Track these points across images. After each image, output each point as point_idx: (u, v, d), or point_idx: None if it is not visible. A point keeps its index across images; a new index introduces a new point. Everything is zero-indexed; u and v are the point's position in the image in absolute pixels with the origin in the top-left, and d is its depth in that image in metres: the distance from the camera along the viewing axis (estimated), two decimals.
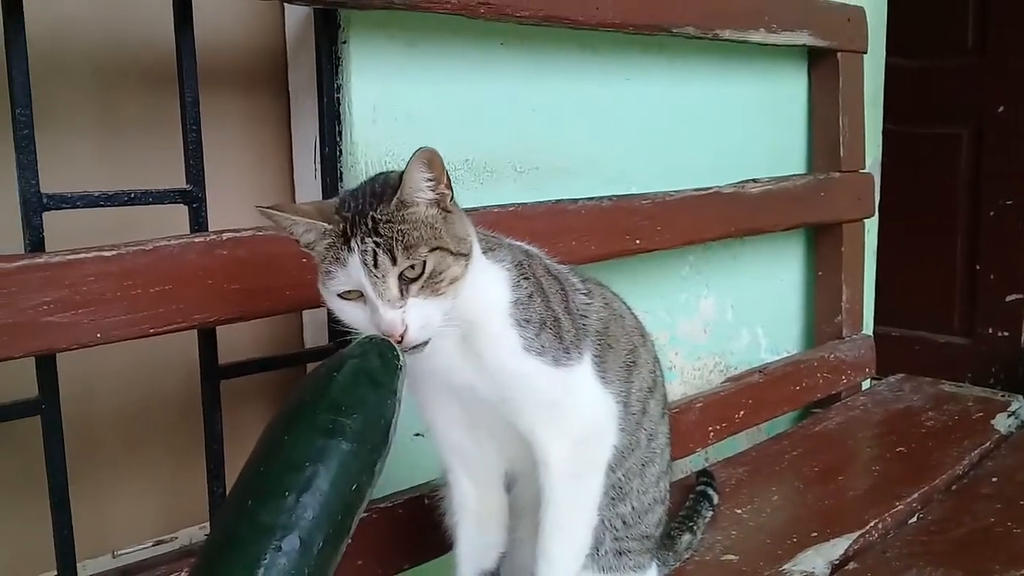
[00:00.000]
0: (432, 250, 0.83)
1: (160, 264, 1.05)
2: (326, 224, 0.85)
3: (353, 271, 0.83)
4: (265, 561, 0.74)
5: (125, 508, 1.33)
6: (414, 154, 0.84)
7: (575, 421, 0.97)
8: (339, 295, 0.85)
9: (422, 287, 0.83)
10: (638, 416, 1.05)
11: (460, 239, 0.87)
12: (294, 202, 1.45)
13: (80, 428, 1.20)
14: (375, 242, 0.82)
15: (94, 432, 1.28)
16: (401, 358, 0.88)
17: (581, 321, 0.99)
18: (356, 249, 0.82)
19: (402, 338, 0.83)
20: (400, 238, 0.82)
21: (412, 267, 0.83)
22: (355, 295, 0.84)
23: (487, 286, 0.91)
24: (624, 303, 1.12)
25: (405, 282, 0.83)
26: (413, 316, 0.83)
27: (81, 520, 1.16)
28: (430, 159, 0.84)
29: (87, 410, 1.25)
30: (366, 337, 0.87)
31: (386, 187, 0.86)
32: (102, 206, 1.14)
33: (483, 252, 0.93)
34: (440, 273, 0.84)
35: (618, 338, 1.04)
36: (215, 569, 0.75)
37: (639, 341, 1.08)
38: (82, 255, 1.00)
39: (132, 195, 1.16)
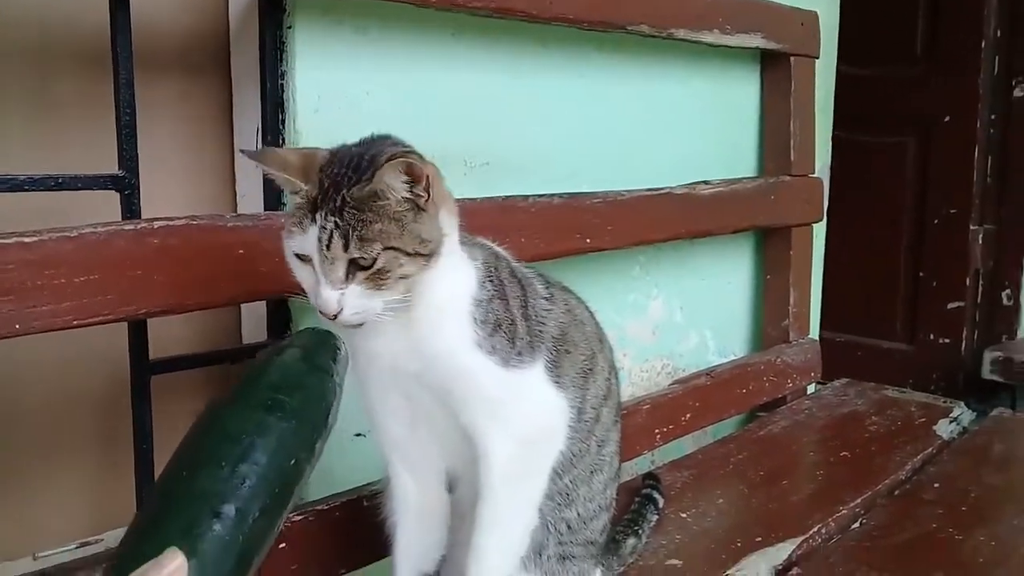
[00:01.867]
0: (386, 248, 0.83)
1: (85, 252, 1.00)
2: (302, 184, 0.85)
3: (309, 241, 0.83)
4: (199, 529, 0.71)
5: (47, 508, 1.27)
6: (397, 156, 0.83)
7: (521, 423, 0.95)
8: (293, 252, 0.86)
9: (367, 278, 0.83)
10: (591, 423, 1.03)
11: (423, 240, 0.86)
12: (235, 189, 1.41)
13: (0, 423, 1.14)
14: (335, 223, 0.82)
15: (15, 428, 1.22)
16: (343, 348, 0.89)
17: (538, 327, 0.98)
18: (317, 223, 0.83)
19: (335, 316, 0.84)
20: (359, 228, 0.82)
21: (363, 258, 0.83)
22: (308, 259, 0.85)
23: (453, 279, 0.91)
24: (587, 309, 1.10)
25: (354, 268, 0.83)
26: (350, 302, 0.84)
27: (0, 520, 1.11)
28: (408, 165, 0.83)
29: (8, 405, 1.19)
30: (309, 328, 0.90)
31: (370, 165, 0.84)
32: (26, 190, 1.08)
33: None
34: (388, 272, 0.84)
35: (577, 343, 1.03)
36: (148, 534, 0.71)
37: (597, 348, 1.07)
38: (2, 241, 0.94)
39: (60, 179, 1.11)
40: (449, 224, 0.91)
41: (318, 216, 0.82)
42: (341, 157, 0.86)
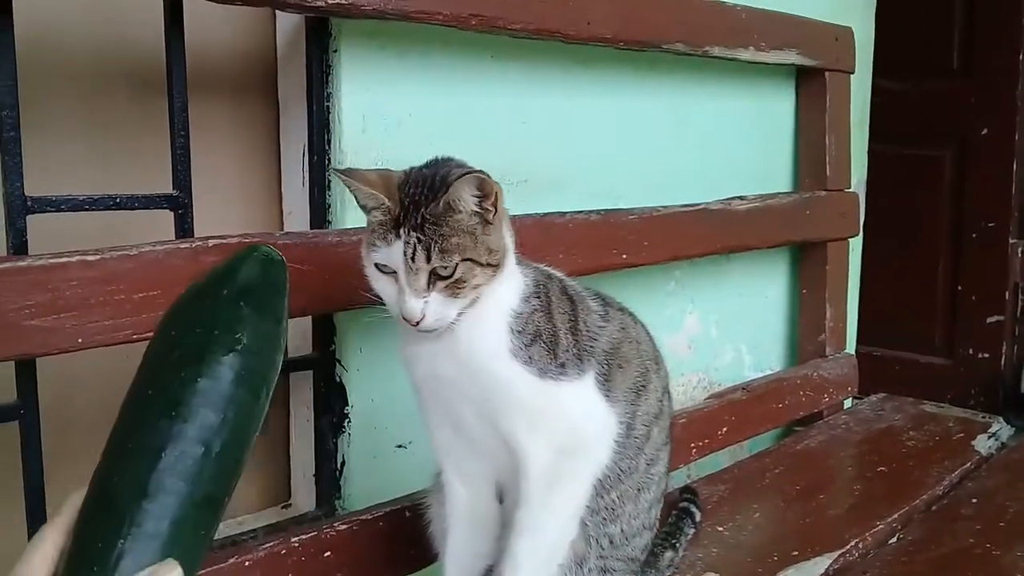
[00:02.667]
0: (464, 260, 0.91)
1: (144, 269, 1.04)
2: (387, 200, 0.92)
3: (395, 255, 0.91)
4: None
5: None
6: (465, 174, 0.91)
7: (560, 432, 0.98)
8: (376, 265, 0.93)
9: (447, 287, 0.91)
10: (640, 440, 1.05)
11: (492, 251, 0.94)
12: (281, 210, 1.45)
13: (57, 435, 1.18)
14: (418, 238, 0.90)
15: (71, 439, 1.26)
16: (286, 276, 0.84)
17: (589, 342, 1.01)
18: (402, 238, 0.90)
19: (417, 323, 0.91)
20: (439, 241, 0.90)
21: (444, 267, 0.90)
22: (389, 270, 0.92)
23: (500, 290, 0.97)
24: (645, 330, 1.13)
25: (434, 277, 0.91)
26: (432, 309, 0.91)
27: None
28: (480, 181, 0.91)
29: (65, 416, 1.24)
30: (251, 252, 0.81)
31: (442, 184, 0.92)
32: (87, 210, 1.13)
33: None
34: (465, 281, 0.91)
35: (630, 360, 1.05)
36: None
37: (652, 367, 1.09)
38: (65, 259, 0.99)
39: (118, 199, 1.16)
40: (509, 239, 0.98)
41: (402, 232, 0.90)
42: (415, 178, 0.94)
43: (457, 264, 0.90)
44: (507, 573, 0.98)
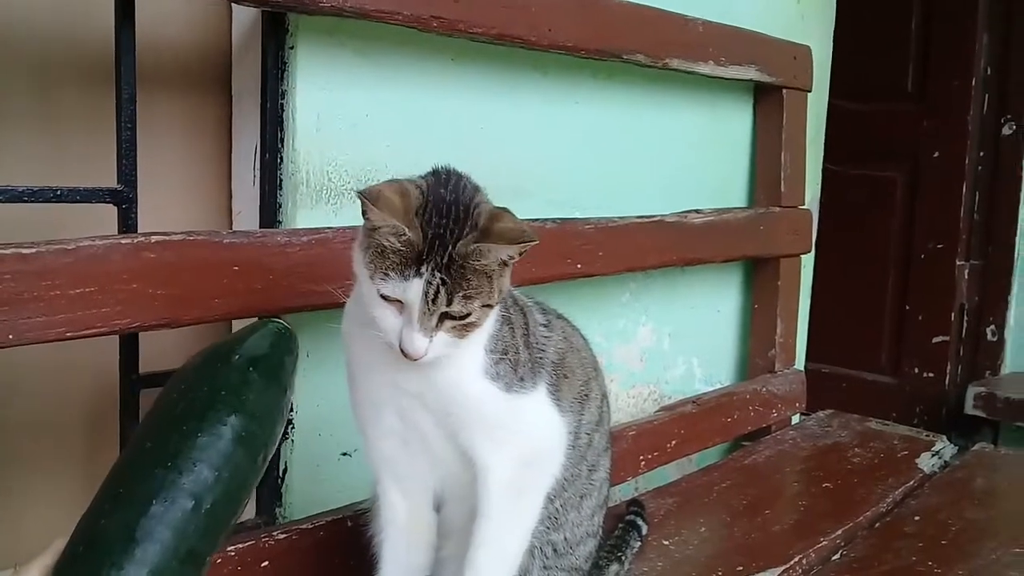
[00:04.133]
0: (483, 306, 0.87)
1: (82, 265, 1.01)
2: (407, 231, 0.84)
3: (411, 292, 0.84)
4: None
5: (33, 520, 1.27)
6: (501, 215, 0.87)
7: (521, 444, 0.97)
8: (381, 294, 0.86)
9: (454, 327, 0.86)
10: (583, 448, 1.05)
11: (501, 292, 0.90)
12: (230, 208, 1.41)
13: None
14: (442, 280, 0.84)
15: (2, 438, 1.22)
16: (296, 349, 0.91)
17: (539, 354, 1.01)
18: (423, 276, 0.84)
19: (414, 356, 0.86)
20: (464, 287, 0.85)
21: (462, 311, 0.85)
22: (395, 302, 0.86)
23: None
24: (582, 336, 1.13)
25: (444, 317, 0.86)
26: (435, 348, 0.86)
27: None
28: (522, 229, 0.86)
29: None
30: (262, 324, 0.89)
31: (469, 214, 0.86)
32: (26, 201, 1.09)
33: None
34: (476, 324, 0.88)
35: (574, 369, 1.05)
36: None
37: (592, 375, 1.09)
38: None
39: (59, 192, 1.12)
40: None
41: (423, 269, 0.84)
42: (435, 203, 0.87)
43: (475, 310, 0.86)
44: None
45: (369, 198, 0.84)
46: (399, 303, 0.85)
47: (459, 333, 0.87)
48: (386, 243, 0.85)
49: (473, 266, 0.85)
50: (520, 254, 0.88)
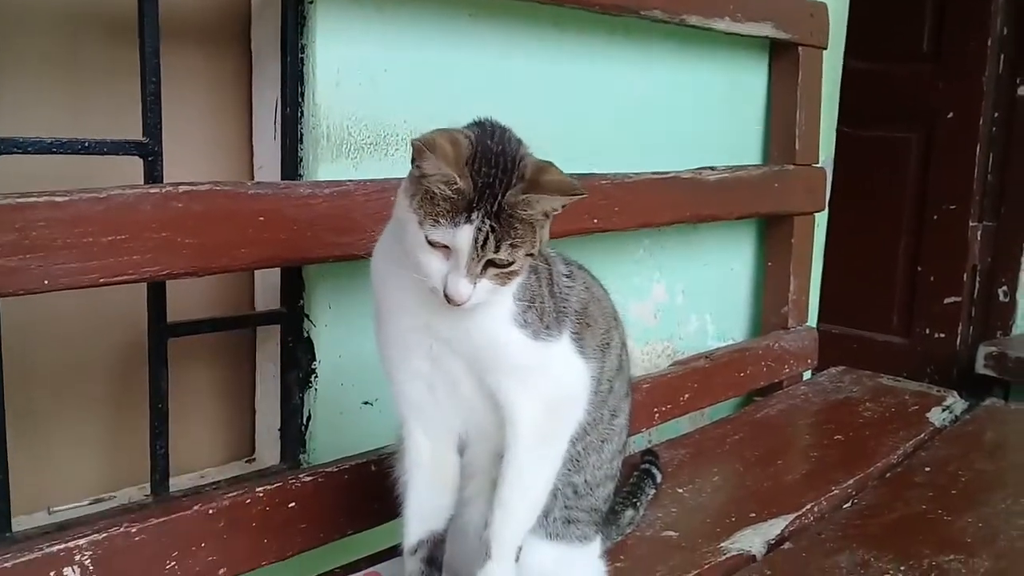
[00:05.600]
0: (526, 255, 0.89)
1: (113, 213, 1.03)
2: (458, 179, 0.86)
3: (460, 238, 0.86)
4: None
5: (63, 464, 1.31)
6: (548, 168, 0.89)
7: (547, 389, 1.00)
8: (429, 240, 0.87)
9: (497, 274, 0.88)
10: (604, 394, 1.07)
11: (542, 240, 0.92)
12: (252, 162, 1.43)
13: (19, 379, 1.17)
14: (492, 227, 0.86)
15: (34, 384, 1.25)
16: None
17: (562, 303, 1.03)
18: (474, 223, 0.86)
19: (459, 303, 0.88)
20: (512, 234, 0.87)
21: (508, 258, 0.88)
22: (442, 248, 0.87)
23: None
24: (602, 287, 1.15)
25: (489, 263, 0.88)
26: (479, 294, 0.88)
27: (17, 474, 1.14)
28: (570, 182, 0.88)
29: (27, 362, 1.22)
30: None
31: (516, 165, 0.88)
32: (54, 153, 1.11)
33: None
34: (518, 272, 0.90)
35: (596, 319, 1.07)
36: None
37: (612, 324, 1.11)
38: (33, 199, 0.98)
39: (87, 144, 1.14)
40: None
41: (474, 216, 0.85)
42: (484, 153, 0.88)
43: (519, 257, 0.88)
44: (499, 521, 1.00)
45: (426, 146, 0.85)
46: (446, 249, 0.87)
47: (501, 280, 0.89)
48: (436, 190, 0.86)
49: (520, 215, 0.87)
50: (564, 206, 0.90)
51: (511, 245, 0.87)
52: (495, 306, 0.93)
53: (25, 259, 0.96)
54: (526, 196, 0.87)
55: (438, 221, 0.86)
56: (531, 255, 0.90)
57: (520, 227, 0.87)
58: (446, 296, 0.88)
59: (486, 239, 0.86)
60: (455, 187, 0.86)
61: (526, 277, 0.96)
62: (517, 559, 1.02)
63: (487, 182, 0.87)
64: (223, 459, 1.47)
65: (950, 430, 1.87)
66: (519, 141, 0.93)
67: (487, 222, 0.86)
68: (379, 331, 1.01)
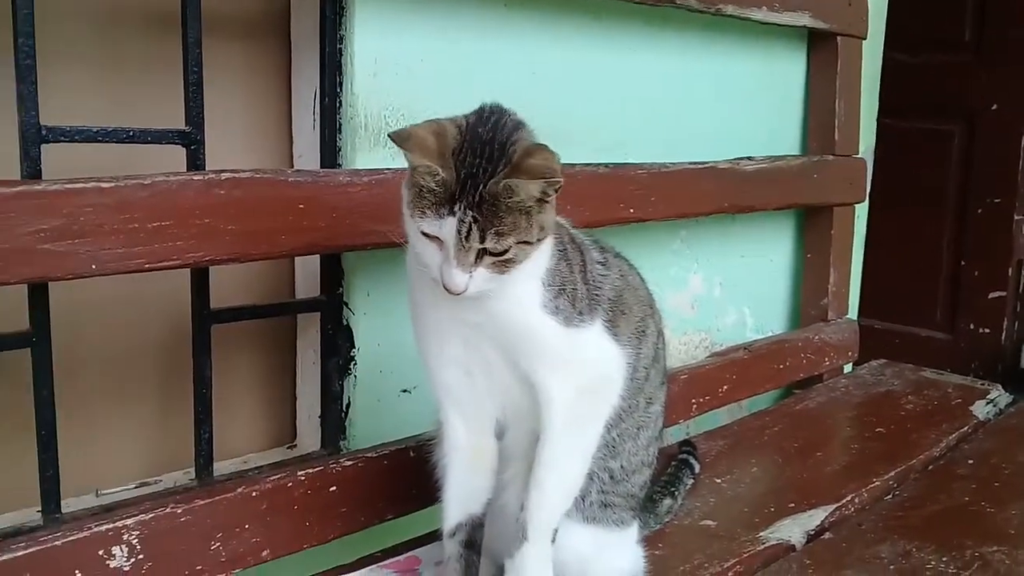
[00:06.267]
0: (518, 243, 0.88)
1: (158, 200, 1.05)
2: (441, 171, 0.87)
3: (446, 230, 0.87)
4: None
5: (110, 448, 1.33)
6: (533, 151, 0.87)
7: (581, 373, 1.00)
8: (421, 231, 0.89)
9: (493, 263, 0.89)
10: (640, 382, 1.07)
11: (543, 228, 0.91)
12: (291, 152, 1.45)
13: (67, 365, 1.19)
14: (474, 217, 0.86)
15: (81, 369, 1.28)
16: None
17: (596, 291, 1.03)
18: (456, 215, 0.86)
19: (458, 293, 0.89)
20: (496, 223, 0.87)
21: (497, 248, 0.88)
22: (435, 239, 0.89)
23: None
24: (639, 275, 1.14)
25: (483, 252, 0.88)
26: (476, 283, 0.89)
27: (65, 457, 1.16)
28: (550, 170, 0.87)
29: (75, 347, 1.25)
30: None
31: (502, 154, 0.88)
32: (100, 141, 1.14)
33: None
34: (515, 260, 0.90)
35: (631, 306, 1.07)
36: None
37: (648, 312, 1.11)
38: (80, 185, 1.00)
39: (131, 133, 1.16)
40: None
41: (456, 208, 0.86)
42: (471, 142, 0.89)
43: (511, 246, 0.88)
44: (535, 503, 1.00)
45: (397, 140, 0.88)
46: (439, 240, 0.88)
47: (499, 269, 0.89)
48: (423, 182, 0.88)
49: (506, 203, 0.87)
50: (545, 192, 0.88)
51: (496, 234, 0.87)
52: (517, 291, 0.94)
53: (74, 244, 0.99)
54: (506, 182, 0.86)
55: (425, 213, 0.88)
56: (526, 242, 0.89)
57: (507, 215, 0.87)
58: (444, 286, 0.89)
59: (469, 230, 0.86)
60: (438, 178, 0.87)
61: (555, 263, 0.97)
62: (553, 541, 1.02)
63: (471, 172, 0.87)
64: (265, 445, 1.50)
65: (994, 423, 1.84)
66: (517, 126, 0.93)
67: (469, 213, 0.86)
68: (415, 320, 1.03)
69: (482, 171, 0.87)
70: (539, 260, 0.95)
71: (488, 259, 0.88)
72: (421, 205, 0.88)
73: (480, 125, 0.91)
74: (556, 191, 0.90)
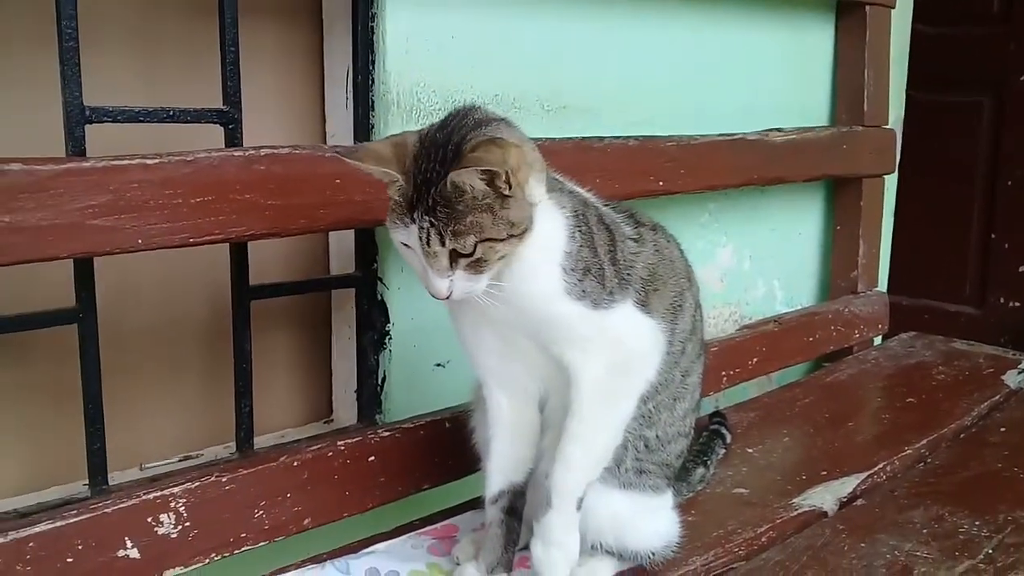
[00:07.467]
0: (480, 240, 0.88)
1: (200, 176, 1.08)
2: (400, 179, 0.89)
3: (412, 238, 0.89)
4: None
5: (154, 422, 1.36)
6: (477, 145, 0.86)
7: (611, 352, 1.00)
8: (399, 241, 0.92)
9: (468, 266, 0.89)
10: (677, 355, 1.08)
11: (513, 223, 0.90)
12: (324, 130, 1.47)
13: (112, 340, 1.22)
14: (430, 222, 0.87)
15: (126, 345, 1.31)
16: None
17: (627, 271, 1.02)
18: (416, 222, 0.88)
19: (437, 296, 0.91)
20: (451, 224, 0.87)
21: (462, 248, 0.88)
22: (411, 247, 0.91)
23: (544, 232, 0.94)
24: (677, 247, 1.14)
25: (456, 255, 0.88)
26: (458, 286, 0.90)
27: (110, 431, 1.19)
28: (483, 168, 0.86)
29: (119, 323, 1.28)
30: None
31: (456, 154, 0.87)
32: (142, 121, 1.16)
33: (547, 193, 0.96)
34: (486, 259, 0.89)
35: (666, 282, 1.07)
36: None
37: (685, 285, 1.11)
38: (125, 162, 1.03)
39: (171, 112, 1.19)
40: (538, 191, 0.94)
41: (415, 215, 0.87)
42: (428, 147, 0.89)
43: (475, 246, 0.87)
44: (559, 473, 1.01)
45: (345, 154, 0.90)
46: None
47: (473, 270, 0.89)
48: (391, 193, 0.90)
49: (458, 202, 0.86)
50: (494, 185, 0.87)
51: (454, 234, 0.87)
52: (539, 285, 0.94)
53: (120, 219, 1.02)
54: (450, 179, 0.86)
55: (396, 223, 0.90)
56: (492, 239, 0.88)
57: (464, 215, 0.86)
58: (431, 295, 0.91)
59: (428, 235, 0.87)
60: (399, 187, 0.89)
61: (577, 248, 0.96)
62: (579, 508, 1.03)
63: (426, 177, 0.88)
64: (302, 420, 1.52)
65: None
66: (480, 123, 0.91)
67: (426, 218, 0.87)
68: (450, 312, 1.04)
69: (434, 174, 0.87)
70: (549, 237, 0.94)
71: (462, 261, 0.89)
72: (392, 216, 0.91)
73: (440, 129, 0.92)
74: (509, 184, 0.88)
